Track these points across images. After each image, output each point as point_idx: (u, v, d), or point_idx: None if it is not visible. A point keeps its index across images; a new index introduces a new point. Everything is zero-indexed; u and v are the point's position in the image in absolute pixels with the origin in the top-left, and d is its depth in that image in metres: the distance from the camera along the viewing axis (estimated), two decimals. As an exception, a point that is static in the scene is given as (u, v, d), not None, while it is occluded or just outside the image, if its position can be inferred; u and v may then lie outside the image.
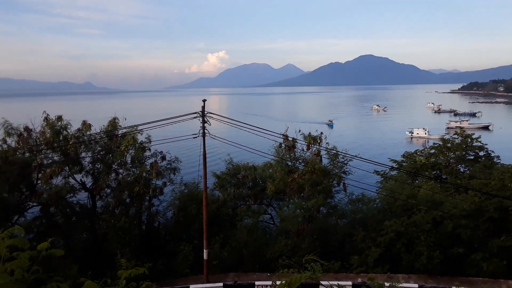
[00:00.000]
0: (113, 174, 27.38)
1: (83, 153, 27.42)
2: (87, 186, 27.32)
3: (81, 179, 27.27)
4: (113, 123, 28.11)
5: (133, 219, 26.36)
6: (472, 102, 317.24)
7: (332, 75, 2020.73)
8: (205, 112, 20.19)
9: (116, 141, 27.54)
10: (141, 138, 27.20)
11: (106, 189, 27.10)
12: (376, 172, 33.84)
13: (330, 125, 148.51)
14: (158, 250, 25.59)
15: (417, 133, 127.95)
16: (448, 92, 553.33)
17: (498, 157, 33.54)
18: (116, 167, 27.60)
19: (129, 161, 27.56)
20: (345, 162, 30.29)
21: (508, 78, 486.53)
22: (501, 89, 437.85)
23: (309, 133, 30.70)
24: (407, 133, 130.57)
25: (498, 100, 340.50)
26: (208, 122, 20.29)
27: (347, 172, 30.17)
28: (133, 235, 24.75)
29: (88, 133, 27.57)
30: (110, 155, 27.21)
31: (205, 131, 20.28)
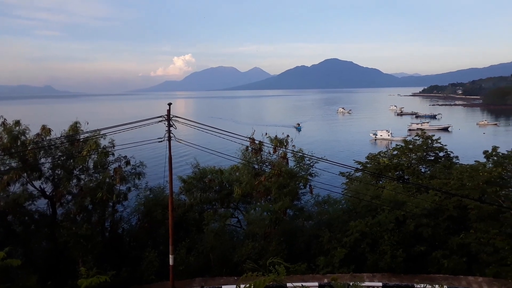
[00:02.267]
0: (74, 180, 26.53)
1: (42, 158, 26.42)
2: (47, 193, 26.35)
3: (40, 186, 26.28)
4: (75, 127, 27.26)
5: (95, 226, 25.65)
6: (432, 105, 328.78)
7: (299, 78, 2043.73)
8: (171, 116, 19.91)
9: (77, 146, 26.74)
10: (104, 142, 26.53)
11: (67, 195, 26.21)
12: (342, 174, 34.37)
13: (298, 128, 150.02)
14: (122, 257, 24.99)
15: (381, 135, 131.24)
16: (410, 95, 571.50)
17: (457, 157, 34.77)
18: (77, 172, 26.77)
19: (92, 167, 26.80)
20: (311, 164, 30.64)
21: (466, 82, 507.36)
22: (460, 92, 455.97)
23: (276, 136, 30.88)
24: (371, 135, 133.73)
25: (457, 102, 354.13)
26: (173, 125, 20.00)
27: (313, 174, 30.53)
28: (96, 242, 24.05)
29: (48, 138, 26.60)
30: (71, 161, 26.39)
31: (171, 135, 19.98)
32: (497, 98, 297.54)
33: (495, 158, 26.24)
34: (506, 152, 26.23)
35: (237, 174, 30.90)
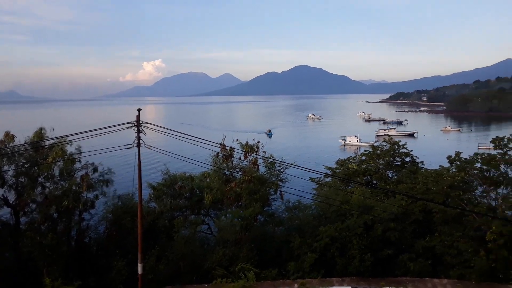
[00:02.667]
0: (39, 188, 25.69)
1: (5, 166, 25.51)
2: (10, 201, 25.41)
3: (3, 194, 25.30)
4: (39, 134, 26.50)
5: (61, 235, 24.91)
6: (399, 111, 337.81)
7: (269, 84, 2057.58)
8: (140, 122, 19.64)
9: (42, 153, 25.98)
10: (70, 149, 25.90)
11: (31, 204, 25.31)
12: (312, 179, 34.75)
13: (269, 134, 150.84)
14: (89, 266, 24.36)
15: (350, 141, 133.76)
16: (378, 102, 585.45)
17: (422, 162, 35.77)
18: (42, 180, 25.94)
19: (57, 174, 26.05)
20: (282, 170, 30.81)
21: (431, 89, 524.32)
22: (425, 99, 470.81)
23: (246, 142, 30.94)
24: (341, 140, 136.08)
25: (422, 109, 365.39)
26: (143, 132, 19.73)
27: (283, 180, 30.69)
28: (61, 252, 23.35)
29: (11, 144, 25.74)
30: (36, 168, 25.59)
31: (140, 141, 19.70)
32: (460, 105, 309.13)
33: (458, 163, 27.16)
34: (468, 157, 27.21)
35: (208, 180, 30.72)
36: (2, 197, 25.26)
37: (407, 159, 36.15)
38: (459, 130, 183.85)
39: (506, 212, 24.51)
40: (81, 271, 23.18)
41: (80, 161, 26.53)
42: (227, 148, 29.21)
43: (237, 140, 31.11)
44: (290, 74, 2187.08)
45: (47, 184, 26.02)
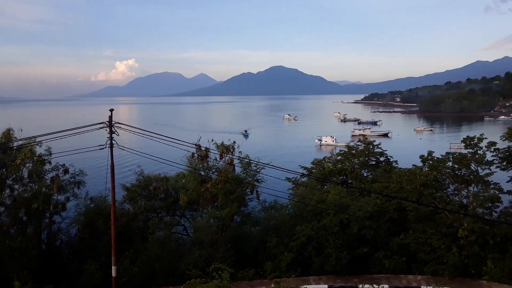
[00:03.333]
0: (7, 191, 24.96)
1: (-29, 168, 24.62)
2: (-24, 204, 24.52)
3: (-31, 197, 24.42)
4: (7, 134, 25.74)
5: (31, 239, 24.15)
6: (373, 112, 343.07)
7: (245, 85, 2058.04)
8: (113, 122, 19.17)
9: (10, 154, 25.17)
10: (40, 150, 25.17)
11: (-1, 207, 24.57)
12: (288, 179, 34.72)
13: (245, 135, 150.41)
14: (60, 270, 23.68)
15: (326, 141, 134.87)
16: (353, 102, 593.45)
17: (396, 161, 36.29)
18: (10, 182, 25.20)
19: (26, 176, 25.34)
20: (258, 170, 30.71)
21: (404, 90, 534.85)
22: (398, 100, 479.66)
23: (222, 142, 30.72)
24: (316, 140, 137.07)
25: (396, 109, 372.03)
26: (116, 132, 19.27)
27: (260, 180, 30.58)
28: (31, 256, 22.63)
29: (-23, 145, 24.83)
30: (4, 170, 24.78)
31: (113, 141, 19.24)
32: (432, 106, 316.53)
33: (430, 162, 27.67)
34: (440, 156, 27.76)
35: (183, 181, 30.38)
36: (-32, 200, 24.34)
37: (382, 159, 36.61)
38: (431, 130, 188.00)
39: (477, 209, 25.15)
40: (52, 275, 22.53)
41: (50, 162, 25.89)
42: (203, 148, 28.91)
43: (212, 140, 30.86)
44: (266, 75, 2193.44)
45: (16, 186, 25.33)
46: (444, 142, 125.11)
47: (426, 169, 27.27)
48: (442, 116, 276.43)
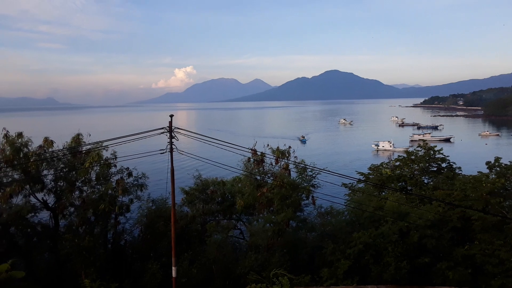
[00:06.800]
0: (76, 192, 26.48)
1: (44, 170, 26.43)
2: (49, 205, 26.30)
3: (42, 198, 26.23)
4: (77, 139, 27.32)
5: (98, 238, 25.50)
6: (434, 116, 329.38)
7: (299, 90, 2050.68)
8: (173, 127, 19.93)
9: (80, 158, 26.76)
10: (106, 154, 26.53)
11: (69, 207, 26.14)
12: (344, 185, 34.25)
13: (303, 141, 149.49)
14: (124, 269, 24.83)
15: (383, 146, 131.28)
16: (411, 106, 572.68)
17: (459, 168, 34.67)
18: (80, 184, 26.72)
19: (94, 178, 26.76)
20: (314, 175, 30.51)
21: (467, 93, 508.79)
22: (461, 103, 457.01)
23: (278, 147, 30.85)
24: (373, 146, 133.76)
25: (458, 113, 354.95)
26: (175, 137, 20.01)
27: (315, 186, 30.34)
28: (98, 254, 23.90)
29: (50, 150, 26.64)
30: (74, 173, 26.38)
31: (173, 146, 19.98)
32: (498, 109, 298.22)
33: (498, 169, 26.20)
34: (508, 163, 26.18)
35: (239, 185, 30.82)
36: (42, 201, 26.18)
37: (444, 165, 35.12)
38: (498, 135, 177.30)
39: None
40: (117, 273, 23.61)
41: (115, 165, 27.13)
42: (258, 153, 29.19)
43: (268, 145, 31.08)
44: (321, 79, 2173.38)
45: (85, 188, 26.78)
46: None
47: (493, 176, 25.85)
48: (509, 120, 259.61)
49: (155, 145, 20.32)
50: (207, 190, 29.95)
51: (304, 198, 29.66)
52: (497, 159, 26.74)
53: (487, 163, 27.17)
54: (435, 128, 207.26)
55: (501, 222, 23.07)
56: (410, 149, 38.88)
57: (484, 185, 24.68)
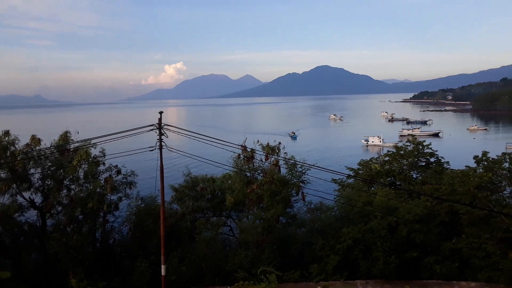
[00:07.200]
0: (64, 191, 26.22)
1: (32, 169, 26.11)
2: (37, 204, 26.00)
3: (30, 197, 25.91)
4: (65, 137, 27.01)
5: (86, 237, 25.30)
6: (423, 111, 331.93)
7: (290, 85, 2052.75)
8: (162, 124, 19.78)
9: (67, 156, 26.45)
10: (94, 152, 26.29)
11: (57, 206, 25.87)
12: (334, 181, 34.32)
13: (293, 137, 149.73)
14: (113, 268, 24.67)
15: (372, 141, 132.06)
16: (401, 101, 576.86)
17: (447, 162, 34.97)
18: (67, 183, 26.45)
19: (82, 177, 26.51)
20: (303, 171, 30.55)
21: (456, 87, 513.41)
22: (450, 98, 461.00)
23: (267, 143, 30.80)
24: (363, 141, 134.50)
25: (447, 108, 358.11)
26: (165, 134, 19.87)
27: (305, 181, 30.38)
28: (86, 253, 23.73)
29: (37, 148, 26.32)
30: (61, 171, 26.10)
31: (162, 143, 19.85)
32: (487, 104, 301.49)
33: (485, 163, 26.46)
34: (496, 157, 26.45)
35: (229, 182, 30.74)
36: (29, 200, 25.88)
37: (432, 160, 35.40)
38: (486, 129, 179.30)
39: (536, 213, 23.73)
40: (105, 272, 23.46)
41: (104, 163, 26.91)
42: (248, 149, 29.13)
43: (258, 141, 31.02)
44: (311, 75, 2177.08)
45: (72, 186, 26.53)
46: (499, 142, 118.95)
47: (481, 170, 26.10)
48: (497, 115, 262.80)
49: (145, 142, 20.17)
50: (197, 187, 29.84)
51: (294, 194, 29.71)
52: (485, 153, 27.00)
53: (475, 157, 27.42)
54: (424, 123, 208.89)
55: (488, 216, 23.34)
56: (399, 144, 39.15)
57: (471, 179, 24.90)
